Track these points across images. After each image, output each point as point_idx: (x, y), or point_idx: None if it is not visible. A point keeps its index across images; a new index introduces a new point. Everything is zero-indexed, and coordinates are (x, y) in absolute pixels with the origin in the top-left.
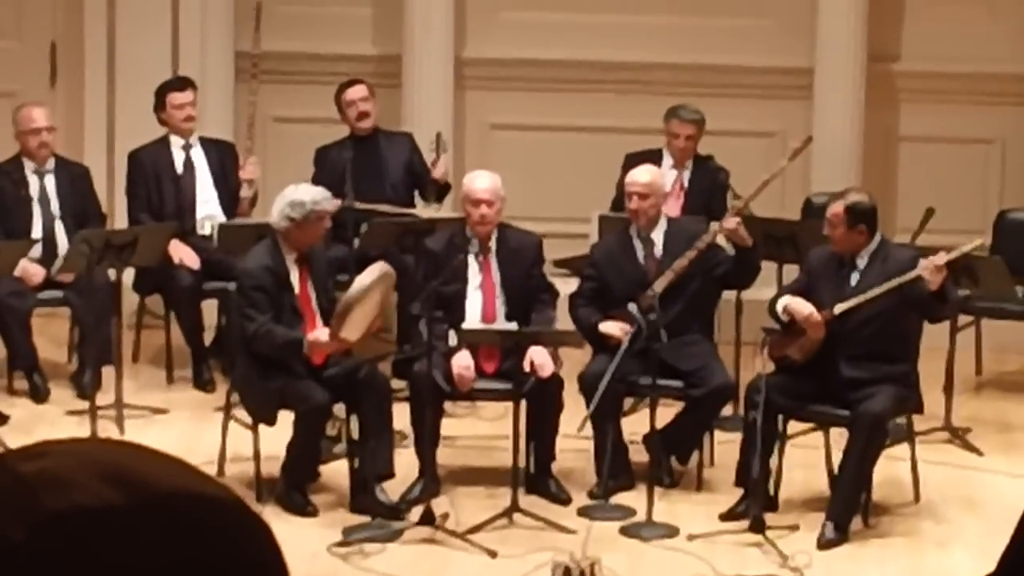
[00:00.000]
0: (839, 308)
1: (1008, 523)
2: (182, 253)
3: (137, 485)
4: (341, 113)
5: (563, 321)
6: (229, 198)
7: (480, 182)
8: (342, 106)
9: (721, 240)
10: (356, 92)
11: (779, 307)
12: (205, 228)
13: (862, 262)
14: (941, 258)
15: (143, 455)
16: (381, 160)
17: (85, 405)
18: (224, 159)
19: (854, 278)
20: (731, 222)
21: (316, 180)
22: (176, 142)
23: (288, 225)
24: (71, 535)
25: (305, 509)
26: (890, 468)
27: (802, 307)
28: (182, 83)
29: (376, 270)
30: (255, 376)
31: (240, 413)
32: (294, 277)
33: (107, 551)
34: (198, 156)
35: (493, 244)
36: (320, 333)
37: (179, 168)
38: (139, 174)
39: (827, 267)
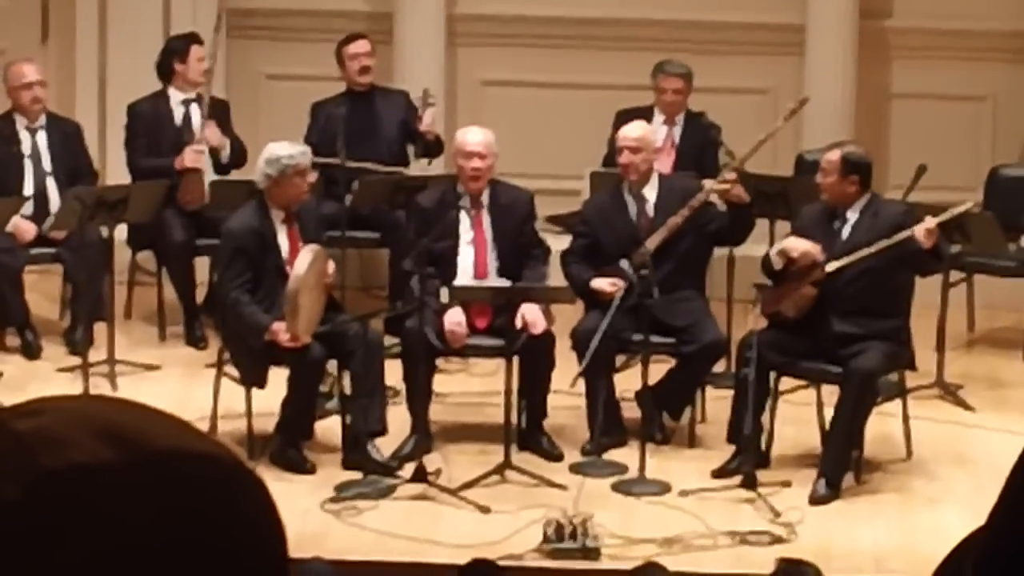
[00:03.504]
0: (831, 266)
1: (999, 479)
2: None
3: (132, 443)
4: (341, 67)
5: (555, 278)
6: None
7: (472, 135)
8: (343, 60)
9: (713, 197)
10: (360, 46)
11: (773, 251)
12: None
13: (853, 216)
14: (932, 221)
15: (138, 412)
16: (376, 117)
17: (77, 361)
18: (220, 115)
19: (845, 232)
20: (724, 182)
21: (310, 134)
22: (176, 97)
23: (267, 183)
24: (67, 493)
25: (303, 466)
26: (882, 424)
27: (798, 243)
28: (199, 38)
29: (307, 254)
30: (242, 338)
31: (232, 370)
32: (282, 236)
33: (103, 508)
34: (195, 111)
35: (485, 200)
36: (279, 329)
37: (178, 122)
38: (139, 125)
39: (818, 222)
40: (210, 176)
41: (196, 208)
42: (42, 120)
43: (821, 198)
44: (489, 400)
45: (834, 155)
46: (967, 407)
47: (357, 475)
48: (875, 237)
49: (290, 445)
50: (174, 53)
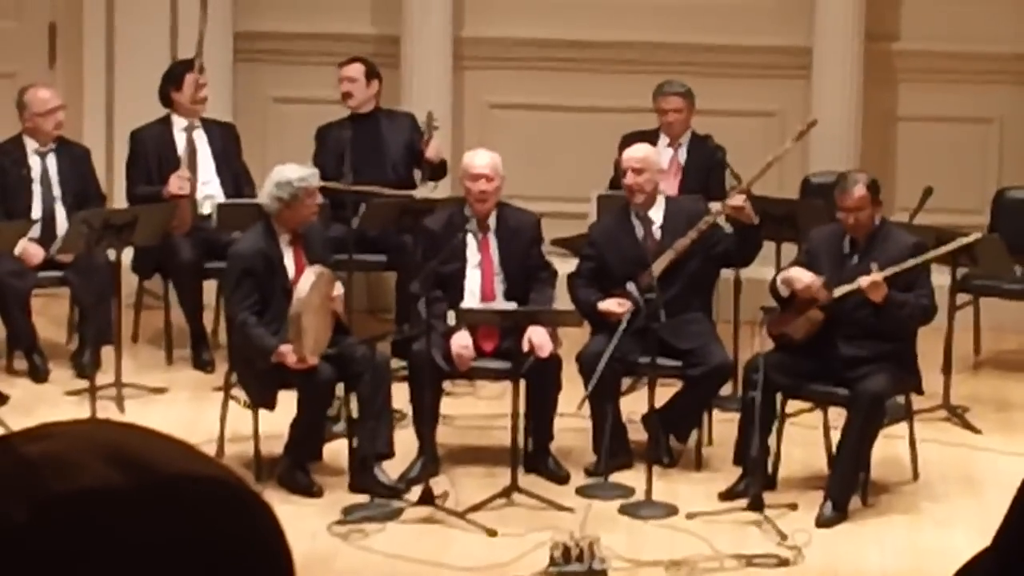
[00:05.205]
0: (838, 292)
1: (1006, 501)
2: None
3: (140, 467)
4: None
5: (562, 301)
6: (231, 179)
7: (480, 158)
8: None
9: (720, 219)
10: (346, 70)
11: (779, 279)
12: (205, 208)
13: (864, 241)
14: (877, 275)
15: (146, 437)
16: (381, 140)
17: (85, 385)
18: (226, 140)
19: (855, 258)
20: (737, 200)
21: (317, 158)
22: (179, 123)
23: (279, 206)
24: (75, 517)
25: (310, 489)
26: (889, 447)
27: (802, 275)
28: (196, 64)
29: (309, 276)
30: (250, 360)
31: (239, 393)
32: (288, 258)
33: (110, 532)
34: (200, 137)
35: (492, 223)
36: (287, 351)
37: (180, 149)
38: (141, 151)
39: (828, 245)
40: (220, 200)
41: (184, 233)
42: (52, 144)
43: (831, 228)
44: (496, 423)
45: (859, 191)
46: (974, 429)
47: (364, 498)
48: (885, 263)
49: (298, 467)
50: (169, 81)
